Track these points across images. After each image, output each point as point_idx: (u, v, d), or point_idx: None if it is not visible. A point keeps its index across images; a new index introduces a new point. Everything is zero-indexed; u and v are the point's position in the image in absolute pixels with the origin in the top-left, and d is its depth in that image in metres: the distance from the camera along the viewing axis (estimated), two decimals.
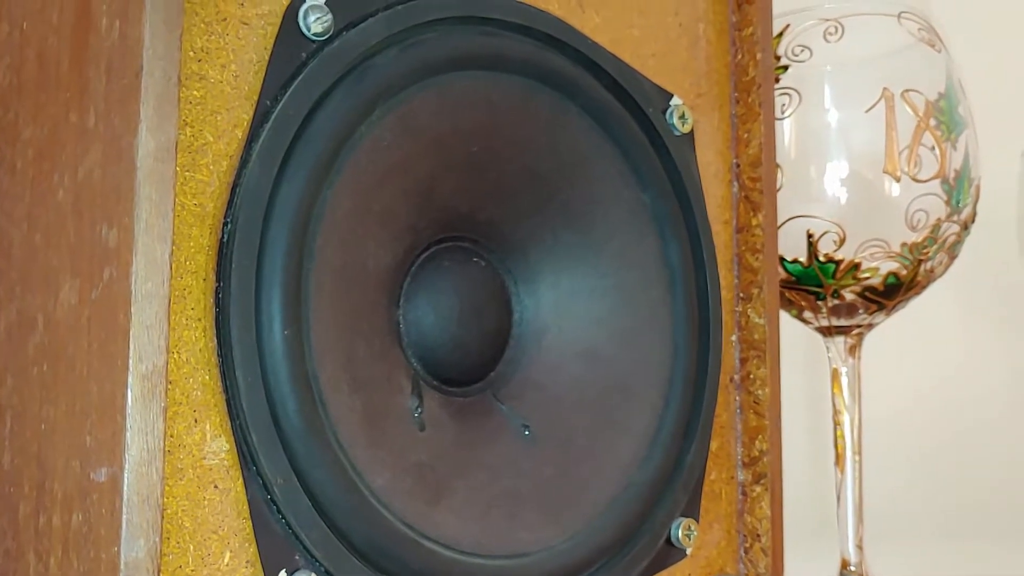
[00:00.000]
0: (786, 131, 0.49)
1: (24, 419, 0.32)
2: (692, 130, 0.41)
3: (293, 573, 0.29)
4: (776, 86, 0.46)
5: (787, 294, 0.50)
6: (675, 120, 0.40)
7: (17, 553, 0.32)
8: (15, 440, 0.33)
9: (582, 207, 0.38)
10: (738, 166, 0.44)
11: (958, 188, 0.49)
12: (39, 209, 0.32)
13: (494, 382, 0.38)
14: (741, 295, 0.43)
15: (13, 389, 0.33)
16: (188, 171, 0.28)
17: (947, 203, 0.49)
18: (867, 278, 0.48)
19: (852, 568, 0.49)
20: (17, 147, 0.35)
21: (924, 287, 0.49)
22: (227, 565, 0.28)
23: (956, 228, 0.49)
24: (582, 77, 0.37)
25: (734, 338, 0.43)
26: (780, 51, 0.49)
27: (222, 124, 0.29)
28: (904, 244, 0.48)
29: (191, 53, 0.28)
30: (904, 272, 0.48)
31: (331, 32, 0.30)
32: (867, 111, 0.47)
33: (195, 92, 0.28)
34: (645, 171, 0.39)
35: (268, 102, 0.29)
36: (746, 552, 0.42)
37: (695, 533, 0.39)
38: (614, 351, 0.39)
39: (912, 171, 0.47)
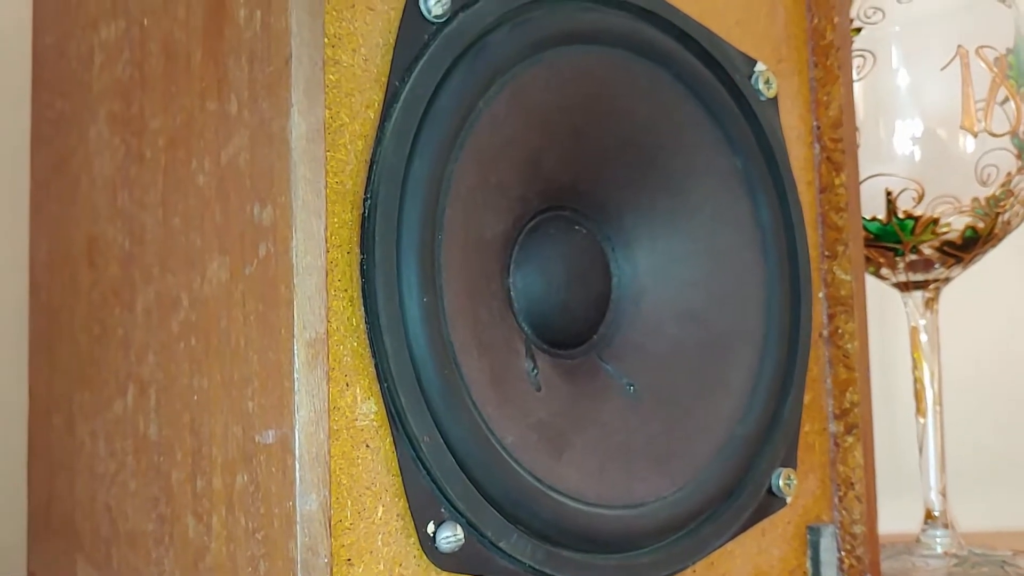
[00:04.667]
0: (860, 92, 0.50)
1: (172, 392, 0.34)
2: (776, 95, 0.42)
3: (440, 525, 0.31)
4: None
5: (865, 252, 0.51)
6: (760, 85, 0.41)
7: (172, 517, 0.34)
8: (162, 412, 0.35)
9: (677, 174, 0.39)
10: (819, 128, 0.45)
11: None
12: (176, 194, 0.34)
13: (597, 344, 0.40)
14: (826, 253, 0.44)
15: (156, 365, 0.35)
16: (329, 151, 0.30)
17: (1018, 157, 0.49)
18: (945, 233, 0.49)
19: (936, 514, 0.51)
20: (145, 137, 0.37)
21: (1000, 239, 0.50)
22: (380, 518, 0.30)
23: None
24: (674, 47, 0.38)
25: (821, 295, 0.44)
26: (853, 14, 0.50)
27: (356, 105, 0.30)
28: (975, 199, 0.49)
29: (326, 40, 0.30)
30: (982, 225, 0.49)
31: (449, 14, 0.32)
32: (942, 69, 0.48)
33: (331, 76, 0.30)
34: (735, 136, 0.40)
35: (397, 83, 0.31)
36: (840, 500, 0.44)
37: (795, 482, 0.41)
38: (710, 311, 0.40)
39: (989, 126, 0.48)
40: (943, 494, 0.51)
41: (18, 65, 0.53)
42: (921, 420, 0.51)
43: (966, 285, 0.60)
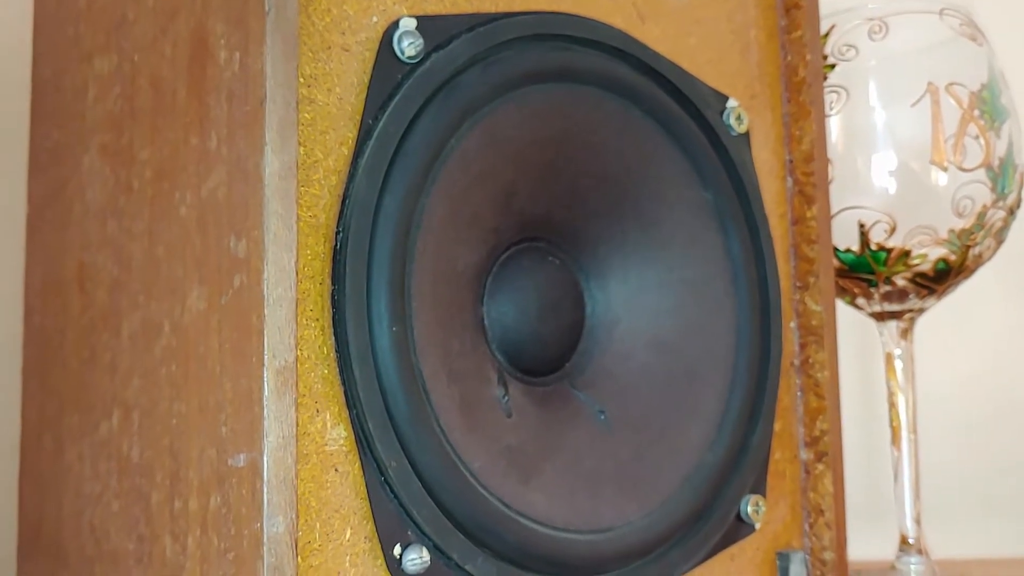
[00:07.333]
0: (835, 127, 0.51)
1: (153, 416, 0.35)
2: (748, 130, 0.43)
3: (406, 547, 0.32)
4: (824, 84, 0.48)
5: (840, 282, 0.52)
6: (732, 121, 0.43)
7: (151, 537, 0.35)
8: (144, 435, 0.36)
9: (649, 206, 0.41)
10: (791, 162, 0.46)
11: (1003, 175, 0.51)
12: (160, 224, 0.36)
13: (570, 372, 0.41)
14: (798, 284, 0.45)
15: (140, 389, 0.37)
16: (303, 186, 0.31)
17: (992, 190, 0.51)
18: (917, 264, 0.50)
19: (911, 542, 0.51)
20: (134, 168, 0.38)
21: (973, 271, 0.51)
22: (348, 540, 0.31)
23: (1002, 214, 0.51)
24: (646, 85, 0.40)
25: (793, 325, 0.45)
26: (827, 50, 0.51)
27: (330, 143, 0.32)
28: (951, 230, 0.50)
29: (301, 80, 0.31)
30: (953, 257, 0.50)
31: (422, 54, 0.33)
32: (913, 105, 0.49)
33: (306, 115, 0.31)
34: (706, 170, 0.41)
35: (370, 121, 0.32)
36: (811, 527, 0.44)
37: (763, 509, 0.42)
38: (681, 340, 0.41)
39: (958, 160, 0.49)
40: (918, 521, 0.51)
41: (20, 95, 0.55)
42: (895, 449, 0.52)
43: (947, 311, 0.61)
